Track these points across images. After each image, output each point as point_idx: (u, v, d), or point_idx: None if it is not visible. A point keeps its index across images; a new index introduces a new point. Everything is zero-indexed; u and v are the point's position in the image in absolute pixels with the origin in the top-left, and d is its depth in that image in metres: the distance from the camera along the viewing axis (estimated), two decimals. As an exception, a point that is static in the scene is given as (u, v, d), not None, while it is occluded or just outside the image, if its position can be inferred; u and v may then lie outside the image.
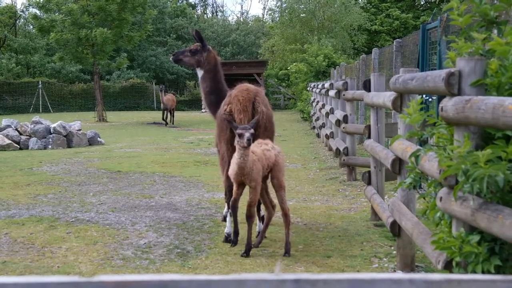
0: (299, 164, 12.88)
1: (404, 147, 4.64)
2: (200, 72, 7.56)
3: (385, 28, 42.47)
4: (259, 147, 5.96)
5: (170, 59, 7.60)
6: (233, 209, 6.11)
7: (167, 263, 5.77)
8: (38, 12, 32.28)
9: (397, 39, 12.65)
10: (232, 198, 6.08)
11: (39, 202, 8.71)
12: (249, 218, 5.94)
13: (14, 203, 8.67)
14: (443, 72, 3.37)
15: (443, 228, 3.54)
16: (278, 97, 45.41)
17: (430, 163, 3.56)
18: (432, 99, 8.75)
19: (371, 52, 15.52)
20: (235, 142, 5.64)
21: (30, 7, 38.42)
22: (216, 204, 8.58)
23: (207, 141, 18.41)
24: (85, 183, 10.57)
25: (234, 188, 6.04)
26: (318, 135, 19.18)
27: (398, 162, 5.28)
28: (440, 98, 4.02)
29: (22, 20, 54.58)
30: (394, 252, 5.85)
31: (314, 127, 21.64)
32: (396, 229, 5.36)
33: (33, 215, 7.81)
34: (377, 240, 6.49)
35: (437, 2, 43.66)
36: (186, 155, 14.79)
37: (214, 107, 7.40)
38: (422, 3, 46.98)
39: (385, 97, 5.73)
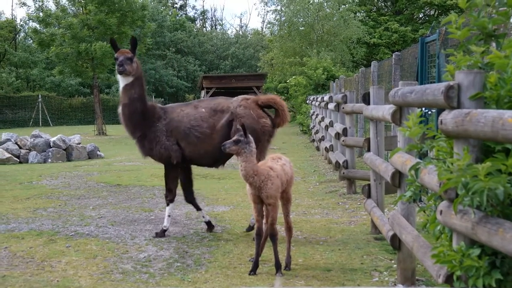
0: (299, 177, 12.86)
1: (403, 160, 4.64)
2: (128, 79, 7.24)
3: (384, 41, 42.60)
4: (276, 162, 5.86)
5: (118, 70, 7.09)
6: (258, 237, 5.82)
7: (166, 277, 5.75)
8: (38, 26, 32.42)
9: (396, 52, 12.69)
10: (256, 227, 5.84)
11: (38, 216, 8.69)
12: (273, 236, 5.75)
13: (14, 217, 8.65)
14: (442, 85, 3.38)
15: (443, 241, 3.53)
16: (278, 110, 45.37)
17: (430, 176, 3.55)
18: (431, 112, 8.76)
19: (370, 65, 15.56)
20: None
21: (30, 21, 38.68)
22: (216, 217, 8.56)
23: (207, 154, 18.36)
24: (85, 196, 10.56)
25: (253, 213, 5.85)
26: (317, 148, 19.17)
27: (398, 175, 5.27)
28: (440, 111, 4.02)
29: (22, 34, 54.88)
30: (395, 265, 5.83)
31: (313, 140, 21.64)
32: (396, 243, 5.34)
33: (32, 229, 7.78)
34: (377, 254, 6.47)
35: (435, 15, 43.86)
36: (185, 169, 14.75)
37: (138, 116, 7.32)
38: (420, 16, 47.16)
39: (385, 110, 5.74)
